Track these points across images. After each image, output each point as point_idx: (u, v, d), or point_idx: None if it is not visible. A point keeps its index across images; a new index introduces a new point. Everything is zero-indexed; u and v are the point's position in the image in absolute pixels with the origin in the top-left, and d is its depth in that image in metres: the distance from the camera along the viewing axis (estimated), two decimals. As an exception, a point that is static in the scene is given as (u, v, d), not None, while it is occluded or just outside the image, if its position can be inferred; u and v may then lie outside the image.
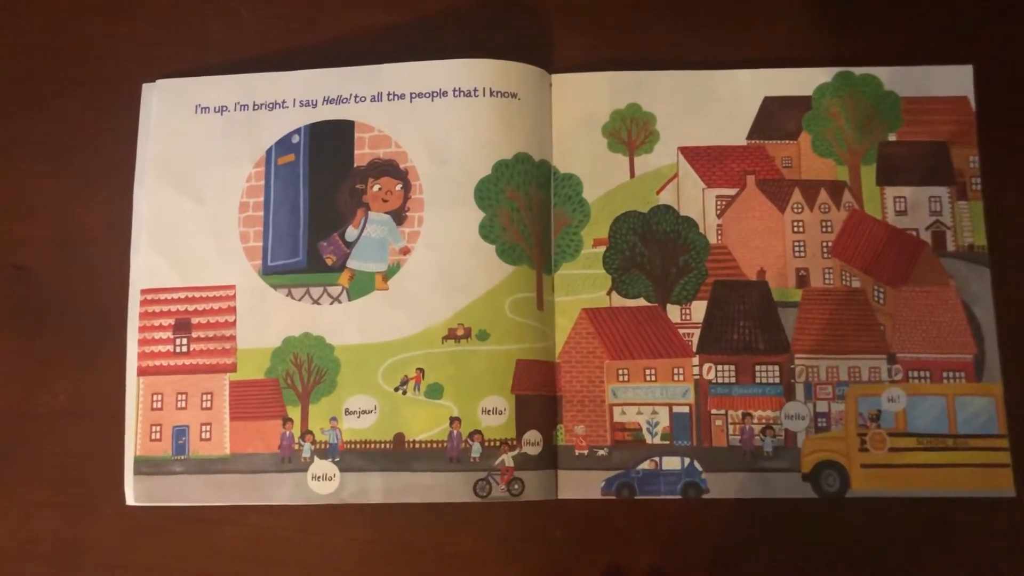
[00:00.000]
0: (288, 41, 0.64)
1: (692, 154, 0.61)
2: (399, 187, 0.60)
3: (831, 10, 0.63)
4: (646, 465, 0.58)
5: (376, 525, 0.58)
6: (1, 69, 0.64)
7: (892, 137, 0.60)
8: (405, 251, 0.59)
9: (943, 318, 0.58)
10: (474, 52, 0.60)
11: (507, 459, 0.57)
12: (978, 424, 0.57)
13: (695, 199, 0.60)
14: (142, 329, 0.59)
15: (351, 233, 0.60)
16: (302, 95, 0.61)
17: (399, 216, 0.60)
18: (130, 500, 0.58)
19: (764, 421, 0.58)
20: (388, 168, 0.60)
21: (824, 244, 0.59)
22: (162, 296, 0.60)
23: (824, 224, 0.60)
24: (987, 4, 0.63)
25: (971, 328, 0.58)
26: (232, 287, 0.60)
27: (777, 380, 0.58)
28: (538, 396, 0.58)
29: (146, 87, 0.62)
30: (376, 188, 0.60)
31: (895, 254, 0.59)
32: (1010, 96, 0.61)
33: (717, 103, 0.61)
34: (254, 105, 0.61)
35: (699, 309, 0.59)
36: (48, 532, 0.59)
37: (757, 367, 0.58)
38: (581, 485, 0.57)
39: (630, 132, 0.61)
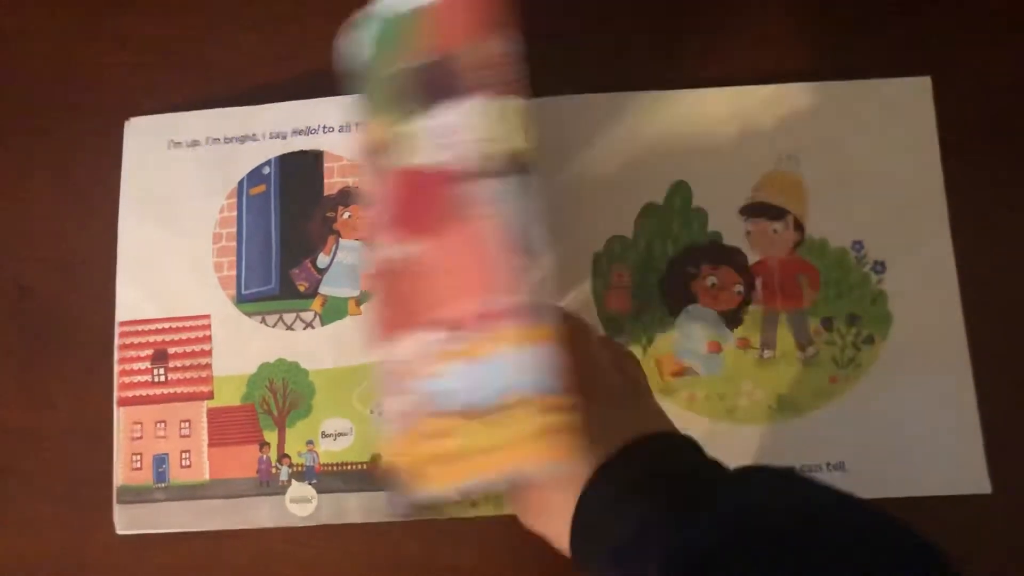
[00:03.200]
0: (269, 75, 0.65)
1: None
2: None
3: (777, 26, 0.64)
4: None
5: (371, 540, 0.59)
6: (9, 97, 0.66)
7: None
8: (376, 276, 0.61)
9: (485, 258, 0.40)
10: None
11: (480, 476, 0.58)
12: (528, 381, 0.37)
13: None
14: (121, 361, 0.61)
15: (322, 260, 0.61)
16: (272, 127, 0.63)
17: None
18: (119, 529, 0.59)
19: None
20: (358, 196, 0.62)
21: None
22: (139, 328, 0.61)
23: None
24: (943, 18, 0.63)
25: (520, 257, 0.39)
26: (207, 316, 0.61)
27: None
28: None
29: (127, 124, 0.64)
30: (346, 215, 0.62)
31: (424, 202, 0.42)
32: (968, 105, 0.62)
33: None
34: (225, 138, 0.63)
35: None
36: (48, 548, 0.60)
37: None
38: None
39: None
